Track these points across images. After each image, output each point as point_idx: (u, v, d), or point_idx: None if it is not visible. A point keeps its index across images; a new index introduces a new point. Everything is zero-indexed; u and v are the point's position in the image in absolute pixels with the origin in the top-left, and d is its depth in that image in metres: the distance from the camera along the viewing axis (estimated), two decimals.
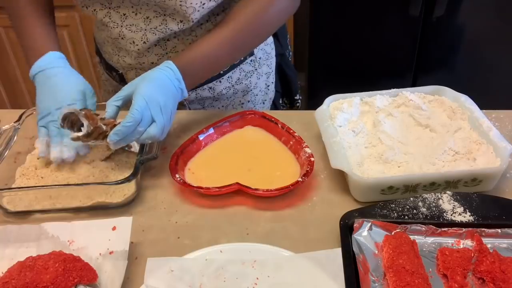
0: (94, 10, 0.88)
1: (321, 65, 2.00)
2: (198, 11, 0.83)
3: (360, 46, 1.92)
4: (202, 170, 0.81)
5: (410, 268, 0.58)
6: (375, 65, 1.96)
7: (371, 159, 0.77)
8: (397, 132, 0.81)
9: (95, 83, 1.98)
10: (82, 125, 0.72)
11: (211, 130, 0.87)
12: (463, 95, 0.85)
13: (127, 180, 0.72)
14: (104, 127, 0.73)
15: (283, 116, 0.90)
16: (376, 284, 0.59)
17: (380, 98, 0.87)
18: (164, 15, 0.85)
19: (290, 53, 1.20)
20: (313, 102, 1.73)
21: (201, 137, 0.85)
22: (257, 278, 0.62)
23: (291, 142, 0.83)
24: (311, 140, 0.85)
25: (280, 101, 1.18)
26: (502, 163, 0.71)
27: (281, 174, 0.79)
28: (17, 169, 0.81)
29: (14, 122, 0.85)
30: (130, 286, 0.63)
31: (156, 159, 0.79)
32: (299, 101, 1.21)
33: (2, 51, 2.13)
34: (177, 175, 0.76)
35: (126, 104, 0.76)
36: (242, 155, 0.84)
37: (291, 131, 0.84)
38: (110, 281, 0.62)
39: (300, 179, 0.74)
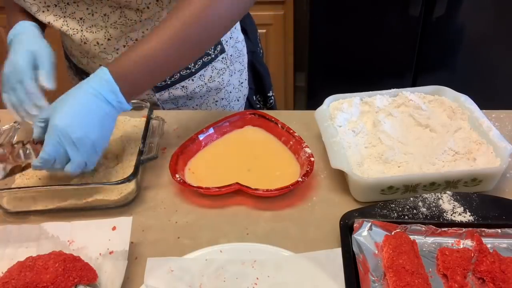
0: (49, 22, 0.86)
1: (321, 65, 2.00)
2: None
3: (360, 46, 1.92)
4: (202, 170, 0.81)
5: (410, 268, 0.58)
6: (375, 65, 1.96)
7: (371, 159, 0.77)
8: (397, 132, 0.81)
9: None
10: None
11: (211, 130, 0.87)
12: (463, 95, 0.85)
13: (127, 180, 0.72)
14: (34, 156, 0.72)
15: (283, 116, 0.90)
16: (376, 284, 0.59)
17: (380, 98, 0.87)
18: (120, 7, 0.84)
19: (261, 50, 1.19)
20: (313, 102, 1.73)
21: (201, 137, 0.85)
22: (257, 278, 0.62)
23: (291, 142, 0.83)
24: (311, 140, 0.85)
25: (254, 98, 1.18)
26: (502, 163, 0.71)
27: (281, 174, 0.79)
28: None
29: (14, 122, 0.85)
30: (130, 286, 0.63)
31: (156, 159, 0.79)
32: (272, 97, 1.21)
33: (2, 51, 2.13)
34: (177, 175, 0.76)
35: None
36: (242, 155, 0.84)
37: (291, 131, 0.84)
38: (110, 281, 0.62)
39: (300, 179, 0.74)
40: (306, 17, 1.88)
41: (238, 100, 1.11)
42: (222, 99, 1.06)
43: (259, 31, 1.19)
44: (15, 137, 0.83)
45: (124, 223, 0.67)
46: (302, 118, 0.92)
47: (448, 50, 1.91)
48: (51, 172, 0.75)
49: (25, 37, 0.82)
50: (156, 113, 0.89)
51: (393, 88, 0.89)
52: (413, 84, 1.98)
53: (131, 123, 0.90)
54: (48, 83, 0.77)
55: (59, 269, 0.58)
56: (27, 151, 0.73)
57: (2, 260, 0.65)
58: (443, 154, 0.75)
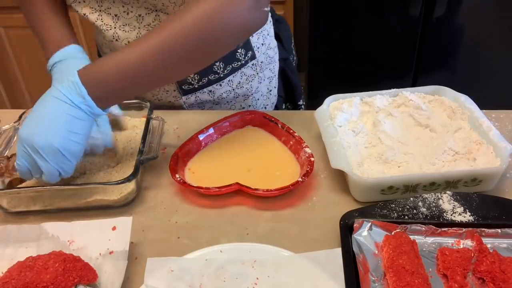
0: (85, 14, 0.86)
1: (321, 65, 2.00)
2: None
3: (360, 46, 1.92)
4: (202, 170, 0.81)
5: (410, 268, 0.58)
6: (375, 65, 1.96)
7: (371, 159, 0.77)
8: (397, 132, 0.81)
9: None
10: None
11: (211, 130, 0.87)
12: (463, 95, 0.85)
13: (127, 180, 0.72)
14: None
15: (283, 116, 0.90)
16: (376, 284, 0.59)
17: (380, 98, 0.87)
18: (156, 10, 0.84)
19: (295, 58, 1.18)
20: (313, 102, 1.73)
21: (201, 137, 0.85)
22: (257, 278, 0.62)
23: (291, 142, 0.83)
24: (311, 140, 0.85)
25: (283, 106, 1.17)
26: (502, 163, 0.71)
27: (281, 174, 0.79)
28: None
29: (14, 122, 0.85)
30: (130, 286, 0.63)
31: (156, 159, 0.79)
32: (303, 106, 1.20)
33: (2, 51, 2.13)
34: (177, 175, 0.76)
35: None
36: (242, 155, 0.84)
37: (291, 131, 0.84)
38: (110, 281, 0.62)
39: (300, 179, 0.74)
40: (306, 17, 1.88)
41: (265, 108, 1.08)
42: (250, 106, 1.04)
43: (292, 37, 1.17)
44: (15, 137, 0.83)
45: (124, 223, 0.67)
46: (302, 118, 0.92)
47: (448, 50, 1.91)
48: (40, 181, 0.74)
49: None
50: (156, 113, 0.89)
51: (393, 88, 0.89)
52: (413, 84, 1.98)
53: (131, 123, 0.90)
54: (107, 143, 0.78)
55: (59, 269, 0.58)
56: None
57: (2, 260, 0.65)
58: (443, 154, 0.75)
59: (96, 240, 0.66)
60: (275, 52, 1.07)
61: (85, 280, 0.60)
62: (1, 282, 0.58)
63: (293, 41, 1.16)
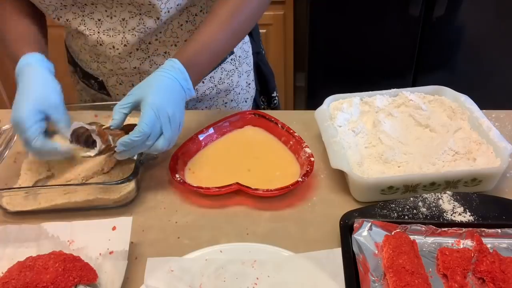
0: (67, 20, 0.86)
1: (321, 65, 2.00)
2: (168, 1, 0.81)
3: (360, 46, 1.92)
4: (202, 170, 0.81)
5: (410, 268, 0.58)
6: (375, 65, 1.96)
7: (371, 159, 0.77)
8: (397, 132, 0.81)
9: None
10: (94, 142, 0.70)
11: (211, 130, 0.87)
12: (463, 95, 0.85)
13: (127, 180, 0.72)
14: (112, 142, 0.71)
15: (283, 116, 0.90)
16: (376, 284, 0.59)
17: (380, 98, 0.87)
18: (140, 14, 0.84)
19: (264, 52, 1.20)
20: (313, 102, 1.73)
21: (201, 137, 0.85)
22: (257, 278, 0.62)
23: (291, 142, 0.83)
24: (311, 140, 0.85)
25: (259, 99, 1.18)
26: (502, 163, 0.71)
27: (281, 174, 0.79)
28: (23, 162, 0.81)
29: None
30: (130, 286, 0.63)
31: (156, 159, 0.79)
32: (276, 98, 1.21)
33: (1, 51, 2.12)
34: (177, 175, 0.76)
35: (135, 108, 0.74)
36: (242, 155, 0.84)
37: (291, 131, 0.84)
38: (110, 281, 0.62)
39: (300, 179, 0.74)
40: (306, 17, 1.88)
41: (246, 101, 1.10)
42: (231, 100, 1.06)
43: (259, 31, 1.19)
44: (15, 137, 0.82)
45: (124, 223, 0.67)
46: (302, 118, 0.92)
47: (448, 50, 1.91)
48: (131, 154, 0.73)
49: (32, 82, 0.76)
50: None
51: (393, 88, 0.89)
52: (413, 84, 1.98)
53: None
54: (66, 132, 0.75)
55: (59, 269, 0.58)
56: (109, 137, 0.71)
57: (2, 260, 0.65)
58: (443, 154, 0.75)
59: (96, 240, 0.66)
60: (249, 46, 1.09)
61: (85, 280, 0.60)
62: (1, 282, 0.58)
63: (260, 35, 1.17)
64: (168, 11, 0.83)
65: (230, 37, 0.83)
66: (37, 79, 0.77)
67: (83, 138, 0.72)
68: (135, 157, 0.78)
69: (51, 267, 0.59)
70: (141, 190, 0.79)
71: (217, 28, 0.80)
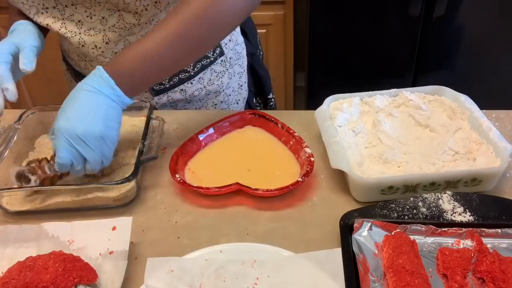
0: (47, 24, 0.86)
1: (321, 65, 2.00)
2: None
3: (360, 46, 1.92)
4: (202, 170, 0.81)
5: (410, 268, 0.58)
6: (375, 65, 1.96)
7: (371, 159, 0.77)
8: (397, 132, 0.81)
9: None
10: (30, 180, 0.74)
11: (211, 130, 0.87)
12: (463, 95, 0.85)
13: (127, 180, 0.72)
14: (48, 171, 0.74)
15: (283, 116, 0.90)
16: (376, 284, 0.59)
17: (380, 98, 0.87)
18: (118, 10, 0.84)
19: (261, 53, 1.19)
20: (313, 102, 1.73)
21: (201, 137, 0.85)
22: (257, 278, 0.62)
23: (291, 142, 0.83)
24: (311, 140, 0.85)
25: (254, 101, 1.18)
26: (502, 163, 0.71)
27: (281, 174, 0.79)
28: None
29: (14, 122, 0.85)
30: (130, 286, 0.63)
31: (156, 159, 0.79)
32: (273, 100, 1.20)
33: None
34: (177, 175, 0.76)
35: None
36: (242, 155, 0.84)
37: (291, 131, 0.84)
38: (110, 281, 0.62)
39: (300, 179, 0.74)
40: (306, 17, 1.88)
41: (237, 103, 1.10)
42: (222, 102, 1.05)
43: (258, 31, 1.18)
44: (15, 137, 0.82)
45: (124, 223, 0.67)
46: (302, 118, 0.92)
47: (448, 50, 1.91)
48: (78, 176, 0.75)
49: (14, 33, 0.83)
50: (156, 113, 0.89)
51: (393, 88, 0.89)
52: (413, 84, 1.98)
53: (131, 123, 0.90)
54: (26, 65, 0.77)
55: (59, 269, 0.58)
56: (52, 166, 0.74)
57: (2, 260, 0.65)
58: (443, 154, 0.75)
59: (96, 240, 0.66)
60: (243, 48, 1.08)
61: (85, 280, 0.60)
62: (1, 282, 0.58)
63: (258, 36, 1.16)
64: (146, 9, 0.83)
65: (175, 50, 0.73)
66: (24, 30, 0.82)
67: (23, 178, 0.75)
68: (135, 157, 0.78)
69: (51, 267, 0.59)
70: (141, 190, 0.79)
71: (159, 39, 0.72)
